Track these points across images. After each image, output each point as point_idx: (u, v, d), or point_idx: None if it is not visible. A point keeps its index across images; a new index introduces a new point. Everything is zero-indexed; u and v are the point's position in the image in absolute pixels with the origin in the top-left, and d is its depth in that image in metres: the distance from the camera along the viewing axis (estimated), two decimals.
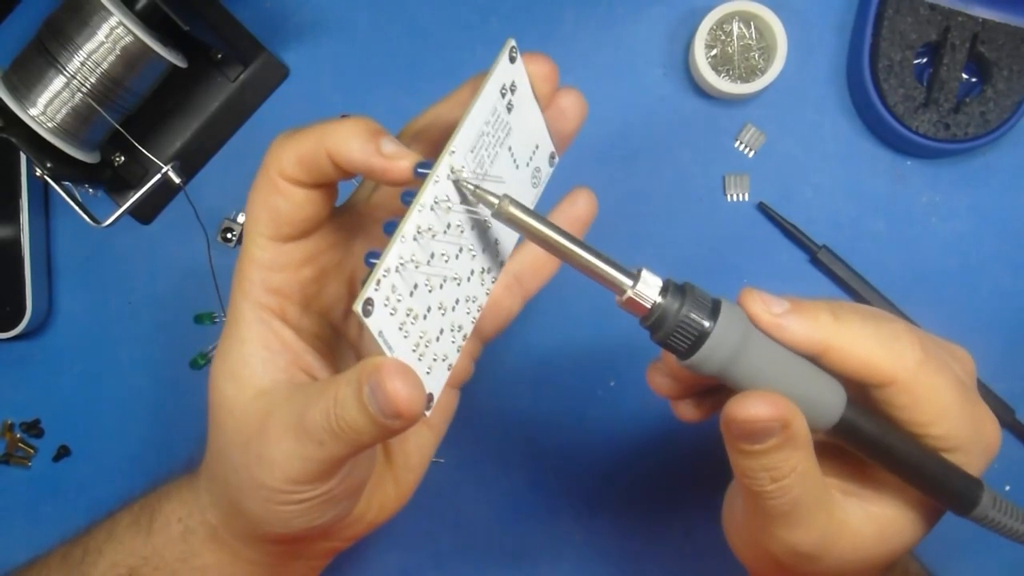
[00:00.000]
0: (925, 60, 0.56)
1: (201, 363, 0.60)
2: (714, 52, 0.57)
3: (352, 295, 0.40)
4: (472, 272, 0.35)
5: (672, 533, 0.59)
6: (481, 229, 0.35)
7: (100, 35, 0.50)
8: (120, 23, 0.50)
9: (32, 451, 0.61)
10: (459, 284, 0.34)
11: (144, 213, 0.59)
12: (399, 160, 0.32)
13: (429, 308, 0.33)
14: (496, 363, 0.59)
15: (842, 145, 0.58)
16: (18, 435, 0.61)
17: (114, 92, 0.51)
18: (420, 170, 0.32)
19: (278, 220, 0.35)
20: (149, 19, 0.51)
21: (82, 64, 0.50)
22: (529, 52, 0.34)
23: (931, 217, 0.58)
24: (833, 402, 0.34)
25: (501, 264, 0.37)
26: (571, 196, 0.40)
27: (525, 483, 0.59)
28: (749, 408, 0.32)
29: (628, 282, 0.32)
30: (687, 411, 0.38)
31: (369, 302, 0.29)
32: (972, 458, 0.36)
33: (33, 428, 0.61)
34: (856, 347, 0.34)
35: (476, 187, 0.31)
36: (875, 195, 0.58)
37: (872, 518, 0.37)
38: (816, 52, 0.58)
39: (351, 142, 0.33)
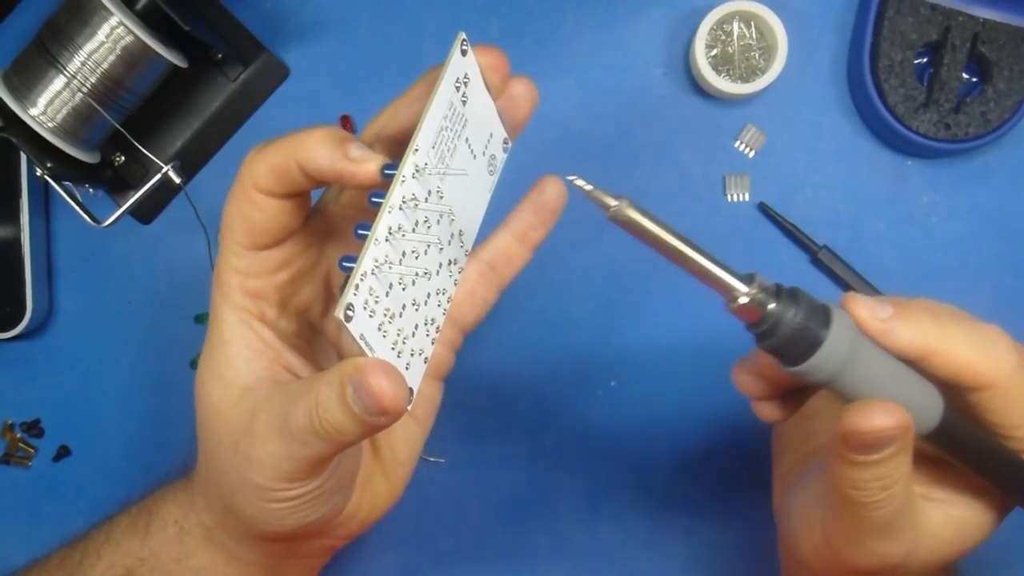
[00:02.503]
0: (925, 60, 0.56)
1: None
2: (714, 52, 0.57)
3: (328, 294, 0.40)
4: (440, 265, 0.36)
5: (672, 533, 0.59)
6: (446, 222, 0.36)
7: (100, 35, 0.50)
8: (120, 23, 0.50)
9: (32, 451, 0.61)
10: (429, 278, 0.35)
11: (144, 213, 0.59)
12: (365, 163, 0.33)
13: (404, 305, 0.34)
14: (496, 363, 0.59)
15: (842, 145, 0.58)
16: (18, 435, 0.61)
17: (114, 92, 0.51)
18: (387, 171, 0.32)
19: (252, 230, 0.36)
20: (149, 19, 0.51)
21: (82, 64, 0.50)
22: (479, 44, 0.35)
23: (931, 217, 0.58)
24: (933, 408, 0.34)
25: (466, 254, 0.38)
26: (539, 185, 0.40)
27: (525, 483, 0.59)
28: (873, 419, 0.32)
29: (742, 287, 0.32)
30: (771, 412, 0.38)
31: (350, 307, 0.30)
32: None
33: (33, 428, 0.61)
34: (957, 352, 0.34)
35: (593, 188, 0.31)
36: (875, 195, 0.58)
37: (951, 521, 0.37)
38: (816, 52, 0.58)
39: (319, 150, 0.33)
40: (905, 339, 0.34)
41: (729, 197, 0.58)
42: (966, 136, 0.55)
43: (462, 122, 0.35)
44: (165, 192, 0.59)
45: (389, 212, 0.32)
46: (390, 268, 0.32)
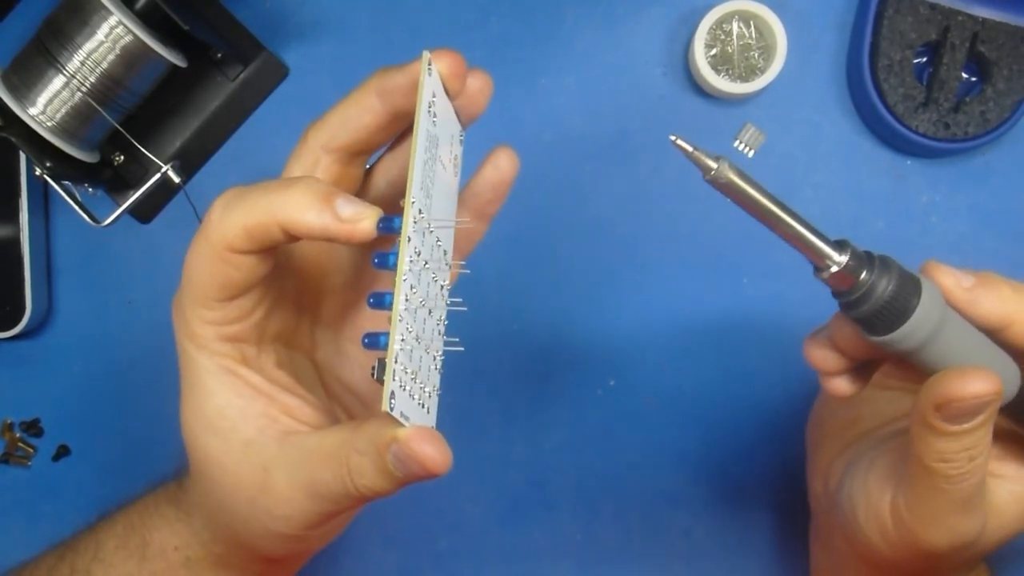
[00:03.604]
0: (925, 59, 0.56)
1: None
2: (714, 52, 0.57)
3: (300, 309, 0.39)
4: (436, 294, 0.34)
5: (672, 533, 0.59)
6: (439, 253, 0.34)
7: (100, 34, 0.50)
8: (120, 22, 0.50)
9: (32, 451, 0.61)
10: (431, 313, 0.34)
11: (144, 213, 0.59)
12: (360, 223, 0.31)
13: (421, 357, 0.33)
14: (496, 363, 0.59)
15: (842, 145, 0.58)
16: (18, 435, 0.61)
17: (114, 91, 0.51)
18: (383, 225, 0.31)
19: (228, 285, 0.34)
20: (149, 19, 0.51)
21: (82, 63, 0.50)
22: (436, 51, 0.33)
23: (931, 217, 0.58)
24: (1013, 379, 0.34)
25: (449, 267, 0.36)
26: (493, 159, 0.38)
27: (525, 483, 0.59)
28: (973, 384, 0.32)
29: (836, 255, 0.31)
30: (842, 386, 0.37)
31: (392, 395, 0.30)
32: None
33: (33, 428, 0.61)
34: None
35: (694, 149, 0.30)
36: (875, 195, 0.58)
37: (1016, 498, 0.37)
38: (816, 52, 0.58)
39: (306, 214, 0.31)
40: (987, 308, 0.34)
41: None
42: (966, 136, 0.54)
43: (436, 144, 0.34)
44: (165, 192, 0.58)
45: (404, 280, 0.30)
46: (410, 332, 0.31)
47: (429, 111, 0.32)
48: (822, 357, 0.37)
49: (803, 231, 0.31)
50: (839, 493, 0.42)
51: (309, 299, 0.40)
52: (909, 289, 0.32)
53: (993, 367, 0.33)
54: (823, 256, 0.32)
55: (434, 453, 0.31)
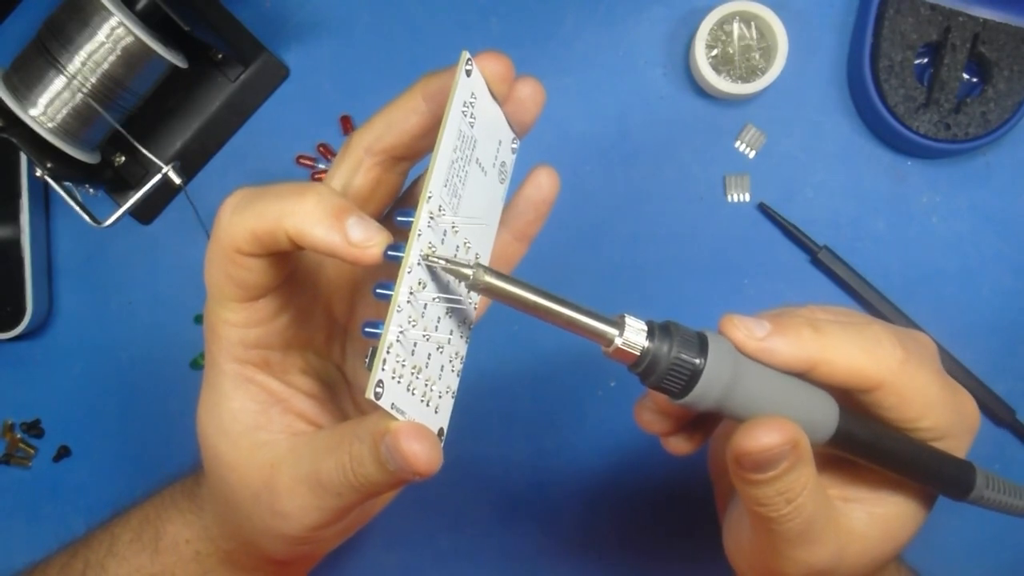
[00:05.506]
0: (926, 60, 0.56)
1: (201, 363, 0.60)
2: (715, 52, 0.57)
3: (331, 318, 0.39)
4: (459, 296, 0.34)
5: (672, 533, 0.59)
6: (463, 251, 0.34)
7: (100, 35, 0.50)
8: (120, 23, 0.50)
9: (32, 451, 0.61)
10: (451, 316, 0.33)
11: (144, 213, 0.60)
12: (369, 249, 0.30)
13: (429, 355, 0.32)
14: (496, 363, 0.59)
15: (842, 145, 0.58)
16: (18, 435, 0.61)
17: (114, 92, 0.51)
18: (391, 253, 0.30)
19: (243, 286, 0.34)
20: (149, 19, 0.51)
21: (82, 64, 0.50)
22: (482, 53, 0.33)
23: (931, 217, 0.58)
24: (828, 415, 0.34)
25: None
26: (533, 178, 0.38)
27: (525, 483, 0.59)
28: (760, 438, 0.32)
29: (614, 332, 0.32)
30: (679, 445, 0.38)
31: (379, 384, 0.29)
32: (959, 442, 0.36)
33: (33, 428, 0.61)
34: (841, 358, 0.34)
35: (448, 262, 0.30)
36: (875, 195, 0.58)
37: (875, 519, 0.37)
38: (817, 52, 0.58)
39: (315, 228, 0.30)
40: (786, 355, 0.33)
41: (729, 197, 0.58)
42: (966, 136, 0.55)
43: (472, 145, 0.33)
44: (165, 192, 0.59)
45: (409, 272, 0.30)
46: (413, 326, 0.30)
47: (464, 111, 0.32)
48: (650, 421, 0.37)
49: (575, 316, 0.31)
50: (723, 524, 0.42)
51: (342, 309, 0.39)
52: (693, 350, 0.32)
53: (803, 410, 0.34)
54: (600, 336, 0.32)
55: (420, 451, 0.30)
